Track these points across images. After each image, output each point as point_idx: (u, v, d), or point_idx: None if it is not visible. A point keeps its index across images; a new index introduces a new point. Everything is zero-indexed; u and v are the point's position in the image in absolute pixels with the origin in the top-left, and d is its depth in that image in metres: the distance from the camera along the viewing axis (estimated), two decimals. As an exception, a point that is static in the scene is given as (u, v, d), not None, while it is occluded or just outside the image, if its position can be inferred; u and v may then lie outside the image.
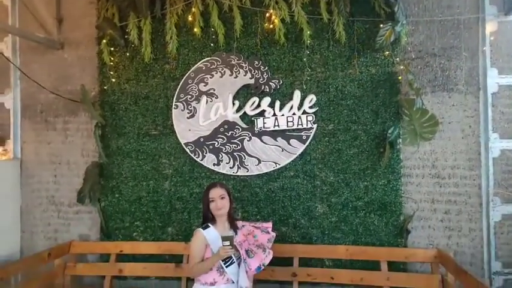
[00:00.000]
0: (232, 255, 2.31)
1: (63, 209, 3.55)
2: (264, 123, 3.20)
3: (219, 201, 2.36)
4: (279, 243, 3.05)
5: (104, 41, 3.28)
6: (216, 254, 2.26)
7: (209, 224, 2.38)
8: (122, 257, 3.36)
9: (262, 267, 2.34)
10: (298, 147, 3.19)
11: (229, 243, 2.20)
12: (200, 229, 2.38)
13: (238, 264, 2.36)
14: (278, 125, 3.19)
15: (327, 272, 3.06)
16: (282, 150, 3.19)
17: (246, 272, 2.32)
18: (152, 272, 3.26)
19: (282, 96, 3.20)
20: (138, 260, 3.34)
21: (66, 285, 3.29)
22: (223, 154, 3.27)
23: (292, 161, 3.20)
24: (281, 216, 3.22)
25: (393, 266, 3.03)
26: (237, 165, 3.24)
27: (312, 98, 3.15)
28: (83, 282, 3.45)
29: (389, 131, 3.02)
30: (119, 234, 3.44)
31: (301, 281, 3.04)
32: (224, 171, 3.28)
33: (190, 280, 2.77)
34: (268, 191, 3.24)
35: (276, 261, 2.84)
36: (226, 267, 2.31)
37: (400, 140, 3.07)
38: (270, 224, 2.56)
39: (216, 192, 2.39)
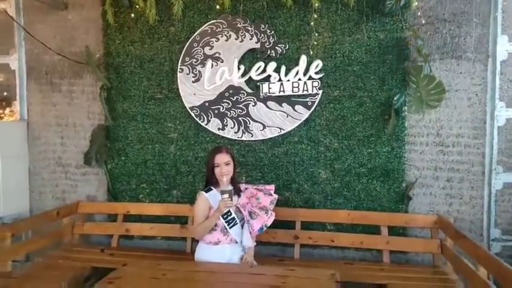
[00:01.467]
0: (235, 216, 2.35)
1: (70, 170, 3.59)
2: (269, 88, 3.19)
3: (224, 167, 2.39)
4: (281, 207, 3.08)
5: (108, 1, 3.24)
6: (217, 209, 2.29)
7: (212, 187, 2.44)
8: (129, 218, 3.41)
9: (265, 228, 2.41)
10: (303, 113, 3.18)
11: (228, 196, 2.24)
12: (203, 192, 2.43)
13: (242, 226, 2.43)
14: (283, 91, 3.18)
15: (328, 235, 3.10)
16: (287, 116, 3.20)
17: (250, 232, 2.40)
18: (158, 232, 3.30)
19: (288, 62, 3.17)
20: (145, 221, 3.38)
21: (75, 243, 3.37)
22: (228, 119, 3.27)
23: (296, 126, 3.20)
24: (284, 181, 3.24)
25: (393, 231, 3.06)
26: (242, 130, 3.25)
27: (318, 64, 3.14)
28: (90, 241, 3.53)
29: (395, 98, 3.01)
30: (126, 196, 3.48)
31: (303, 244, 3.09)
32: (229, 136, 3.29)
33: (195, 241, 2.77)
34: (272, 156, 3.24)
35: (279, 224, 2.89)
36: (230, 228, 2.37)
37: (406, 108, 3.06)
38: (272, 187, 2.60)
39: (222, 158, 2.41)
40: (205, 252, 2.41)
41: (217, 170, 2.41)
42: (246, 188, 2.58)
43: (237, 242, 2.42)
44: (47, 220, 3.11)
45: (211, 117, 3.29)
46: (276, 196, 2.58)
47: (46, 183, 3.66)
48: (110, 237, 3.39)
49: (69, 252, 3.14)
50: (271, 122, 3.20)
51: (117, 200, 3.47)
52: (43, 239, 3.10)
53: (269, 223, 2.43)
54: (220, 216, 2.38)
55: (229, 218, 2.40)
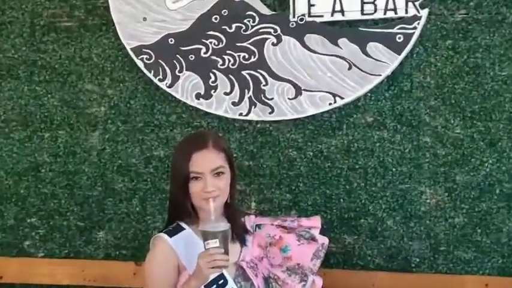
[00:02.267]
0: (233, 286, 2.28)
1: None
2: (310, 5, 2.91)
3: (211, 181, 2.27)
4: (337, 269, 2.91)
5: None
6: (195, 272, 2.19)
7: (182, 224, 2.35)
8: None
9: None
10: (386, 62, 2.82)
11: (217, 242, 2.16)
12: (162, 235, 2.35)
13: None
14: (341, 11, 2.88)
15: None
16: (350, 67, 2.85)
17: None
18: None
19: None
20: None
21: None
22: (218, 75, 3.00)
23: (370, 92, 2.88)
24: (343, 210, 2.96)
25: None
26: (249, 98, 2.98)
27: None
28: None
29: None
30: None
31: None
32: (220, 112, 3.02)
33: None
34: (316, 156, 2.98)
35: None
36: None
37: None
38: (316, 221, 2.51)
39: (205, 161, 2.31)
40: None
41: (195, 187, 2.28)
42: (259, 225, 2.49)
43: None
44: None
45: (181, 71, 3.05)
46: (324, 240, 2.46)
47: None
48: None
49: None
50: (315, 80, 2.93)
51: (-25, 251, 3.32)
52: None
53: None
54: None
55: None
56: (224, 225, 2.14)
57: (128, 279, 3.02)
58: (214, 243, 2.11)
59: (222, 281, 2.20)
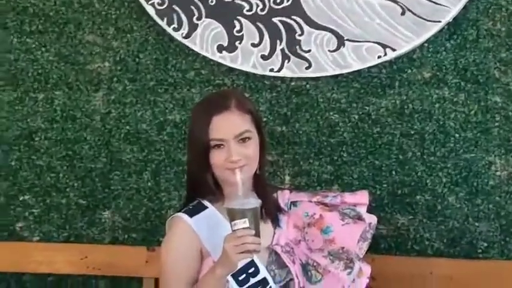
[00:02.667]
0: (267, 277, 2.32)
1: None
2: None
3: (235, 148, 2.27)
4: (387, 255, 2.93)
5: None
6: (221, 259, 2.18)
7: (204, 202, 2.37)
8: None
9: None
10: (447, 5, 2.85)
11: (247, 223, 2.14)
12: (181, 215, 2.37)
13: None
14: None
15: None
16: (403, 12, 2.87)
17: None
18: None
19: None
20: None
21: None
22: (244, 22, 3.02)
23: (427, 42, 2.91)
24: (395, 187, 2.98)
25: None
26: (281, 50, 2.99)
27: None
28: None
29: None
30: None
31: None
32: (247, 68, 3.03)
33: None
34: (362, 120, 3.01)
35: None
36: None
37: None
38: (362, 196, 2.52)
39: (228, 125, 2.30)
40: None
41: (217, 157, 2.28)
42: (295, 203, 2.50)
43: None
44: None
45: (200, 18, 3.05)
46: (372, 220, 2.46)
47: None
48: None
49: None
50: (360, 29, 2.96)
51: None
52: None
53: None
54: (231, 278, 2.26)
55: (252, 282, 2.31)
56: (254, 202, 2.12)
57: (139, 267, 3.03)
58: (243, 223, 2.09)
59: (252, 269, 2.25)
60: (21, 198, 3.27)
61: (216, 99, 2.42)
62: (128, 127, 3.19)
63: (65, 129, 3.25)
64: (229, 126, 2.24)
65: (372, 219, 2.41)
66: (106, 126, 3.22)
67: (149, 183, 3.17)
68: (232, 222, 2.09)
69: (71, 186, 3.25)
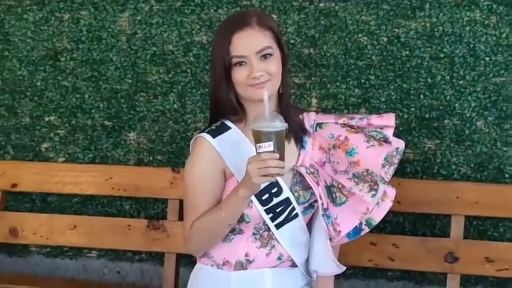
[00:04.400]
0: (292, 198, 2.34)
1: None
2: None
3: (257, 65, 2.25)
4: (414, 179, 2.97)
5: None
6: (244, 179, 2.19)
7: (227, 123, 2.37)
8: (16, 200, 3.38)
9: (366, 229, 2.37)
10: None
11: (272, 146, 2.12)
12: (205, 135, 2.36)
13: (308, 223, 2.45)
14: None
15: None
16: None
17: (330, 239, 2.34)
18: (92, 241, 3.23)
19: None
20: (56, 210, 3.33)
21: None
22: None
23: None
24: (422, 110, 3.00)
25: None
26: None
27: None
28: None
29: None
30: (7, 145, 3.42)
31: (468, 274, 2.89)
32: None
33: (190, 261, 2.78)
34: (391, 43, 3.03)
35: (406, 223, 2.96)
36: (278, 228, 2.33)
37: None
38: (389, 118, 2.47)
39: (249, 42, 2.28)
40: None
41: (239, 74, 2.26)
42: (320, 124, 2.48)
43: (294, 265, 2.40)
44: None
45: None
46: (400, 144, 2.45)
47: None
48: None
49: None
50: None
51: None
52: None
53: (378, 216, 2.35)
54: (255, 198, 2.27)
55: (275, 201, 2.32)
56: (281, 125, 2.10)
57: (164, 188, 3.08)
58: (268, 146, 2.08)
59: (275, 189, 2.26)
60: (46, 119, 3.35)
61: (237, 17, 2.43)
62: (154, 48, 3.21)
63: (91, 49, 3.31)
64: (250, 42, 2.24)
65: (400, 144, 2.41)
66: (132, 47, 3.24)
67: (175, 105, 3.21)
68: (257, 145, 2.10)
69: (96, 107, 3.32)
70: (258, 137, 2.08)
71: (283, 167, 2.08)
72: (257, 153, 2.08)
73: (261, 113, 2.12)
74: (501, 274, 2.69)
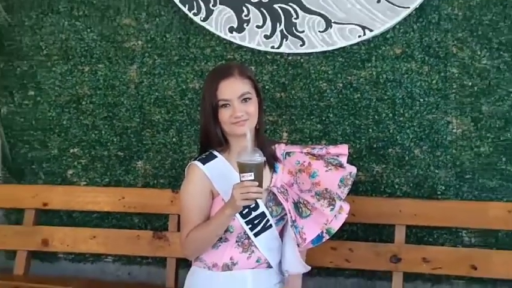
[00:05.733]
0: (267, 213, 2.39)
1: None
2: None
3: (239, 106, 2.37)
4: (364, 196, 3.13)
5: None
6: (229, 201, 2.27)
7: (214, 152, 2.43)
8: (47, 216, 3.52)
9: (327, 237, 2.41)
10: None
11: (252, 176, 2.19)
12: (196, 163, 2.43)
13: (280, 233, 2.49)
14: None
15: (465, 255, 3.04)
16: (379, 0, 3.03)
17: (298, 245, 2.38)
18: (108, 248, 3.38)
19: None
20: (79, 224, 3.49)
21: None
22: (251, 8, 3.19)
23: (398, 24, 3.10)
24: (372, 140, 3.20)
25: None
26: (281, 31, 3.15)
27: None
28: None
29: None
30: (39, 172, 3.58)
31: (410, 273, 3.08)
32: (253, 45, 3.23)
33: (186, 264, 2.81)
34: (345, 87, 3.21)
35: (359, 232, 3.08)
36: (256, 236, 2.38)
37: None
38: (343, 148, 2.55)
39: (232, 88, 2.39)
40: (204, 286, 2.45)
41: (224, 114, 2.37)
42: (289, 153, 2.56)
43: (270, 266, 2.47)
44: None
45: (215, 5, 3.21)
46: (352, 169, 2.52)
47: None
48: (12, 255, 3.50)
49: None
50: (344, 13, 3.07)
51: (22, 180, 3.61)
52: None
53: (336, 226, 2.42)
54: (238, 215, 2.36)
55: (253, 215, 2.40)
56: (260, 158, 2.22)
57: (166, 206, 3.34)
58: (249, 176, 2.20)
59: (253, 205, 2.33)
60: (71, 151, 3.57)
61: (222, 68, 2.59)
62: (156, 93, 3.46)
63: (106, 95, 3.53)
64: (233, 89, 2.37)
65: (353, 169, 2.50)
66: (139, 93, 3.49)
67: (174, 139, 3.46)
68: (241, 174, 2.21)
69: (111, 141, 3.53)
70: (242, 168, 2.19)
71: (261, 192, 2.22)
72: (241, 181, 2.20)
73: (244, 147, 2.24)
74: (436, 272, 2.94)
